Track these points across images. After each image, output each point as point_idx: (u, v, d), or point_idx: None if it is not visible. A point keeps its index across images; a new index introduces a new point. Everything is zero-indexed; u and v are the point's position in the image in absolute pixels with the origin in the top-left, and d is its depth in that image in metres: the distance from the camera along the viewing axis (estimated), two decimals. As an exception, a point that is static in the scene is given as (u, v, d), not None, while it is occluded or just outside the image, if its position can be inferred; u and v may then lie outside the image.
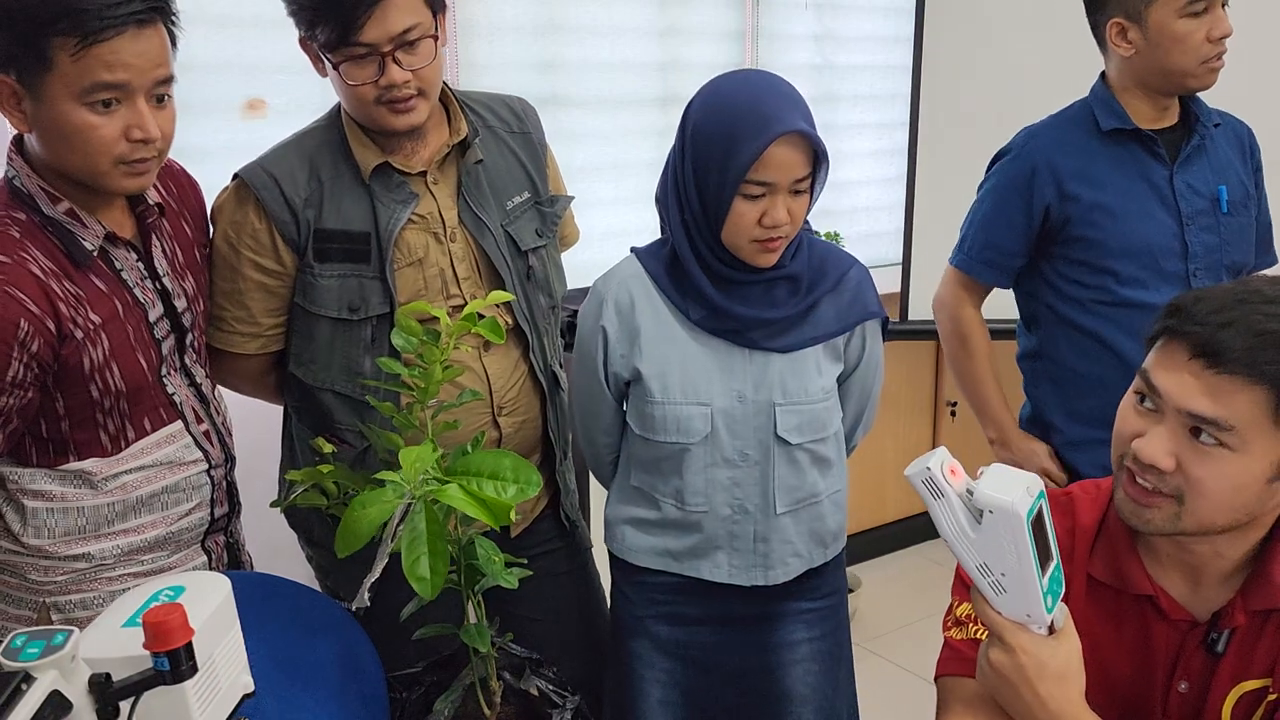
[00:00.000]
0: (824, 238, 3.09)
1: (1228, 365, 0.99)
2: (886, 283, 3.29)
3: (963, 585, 1.23)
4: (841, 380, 1.61)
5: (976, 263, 1.98)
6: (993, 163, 1.97)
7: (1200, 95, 1.86)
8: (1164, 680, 1.14)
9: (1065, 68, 1.98)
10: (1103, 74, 1.89)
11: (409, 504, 1.11)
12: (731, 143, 1.41)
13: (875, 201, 3.55)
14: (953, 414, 3.65)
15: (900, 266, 3.17)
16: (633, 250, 1.60)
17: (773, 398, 1.53)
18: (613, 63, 2.92)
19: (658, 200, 1.56)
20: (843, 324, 1.56)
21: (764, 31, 3.17)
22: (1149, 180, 1.81)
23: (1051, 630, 1.02)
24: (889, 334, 1.70)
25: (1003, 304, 2.10)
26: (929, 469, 0.99)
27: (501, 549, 1.25)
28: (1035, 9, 2.93)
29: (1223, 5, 1.74)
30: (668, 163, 1.53)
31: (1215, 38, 1.72)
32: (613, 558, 1.68)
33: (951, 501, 0.99)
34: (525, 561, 1.27)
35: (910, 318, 3.17)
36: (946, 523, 1.00)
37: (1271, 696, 1.09)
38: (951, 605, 1.24)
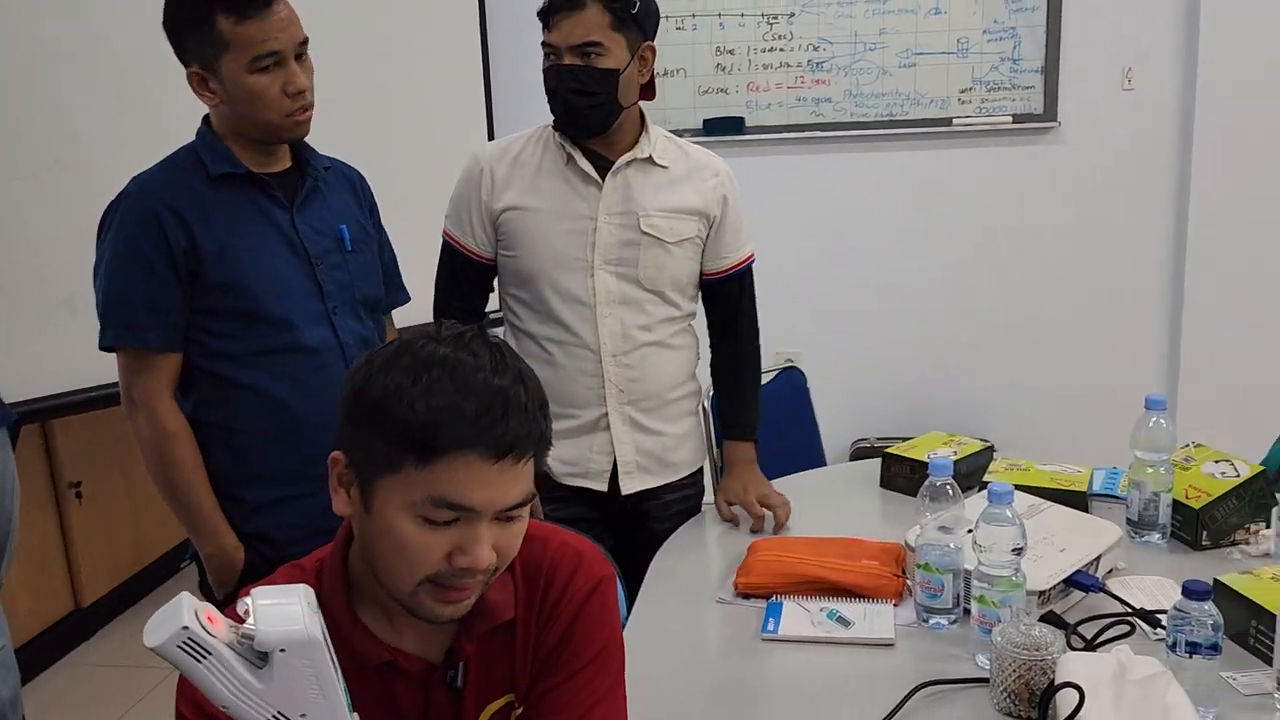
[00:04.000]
0: None
1: (527, 448, 0.99)
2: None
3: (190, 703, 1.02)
4: None
5: (146, 332, 1.69)
6: (106, 216, 1.73)
7: (311, 143, 1.85)
8: None
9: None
10: (206, 118, 1.79)
11: None
12: None
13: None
14: (78, 495, 3.21)
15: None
16: None
17: None
18: None
19: None
20: None
21: None
22: (272, 222, 1.76)
23: None
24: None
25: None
26: (186, 628, 0.78)
27: None
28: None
29: (297, 59, 1.71)
30: None
31: (291, 92, 1.71)
32: None
33: (223, 657, 0.80)
34: None
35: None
36: (221, 684, 0.80)
37: (518, 710, 1.12)
38: None
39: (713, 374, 2.14)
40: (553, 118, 1.93)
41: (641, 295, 1.95)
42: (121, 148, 2.43)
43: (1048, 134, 3.72)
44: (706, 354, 2.14)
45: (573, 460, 1.98)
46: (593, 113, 1.86)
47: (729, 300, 2.07)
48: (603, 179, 1.92)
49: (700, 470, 2.14)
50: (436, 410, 0.94)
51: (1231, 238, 3.66)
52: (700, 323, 2.09)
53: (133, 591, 3.50)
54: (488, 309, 2.11)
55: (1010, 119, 3.71)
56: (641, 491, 2.01)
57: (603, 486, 1.98)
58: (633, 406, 1.97)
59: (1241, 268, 3.68)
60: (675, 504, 2.07)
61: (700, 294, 2.08)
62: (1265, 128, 3.60)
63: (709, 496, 2.13)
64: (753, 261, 2.07)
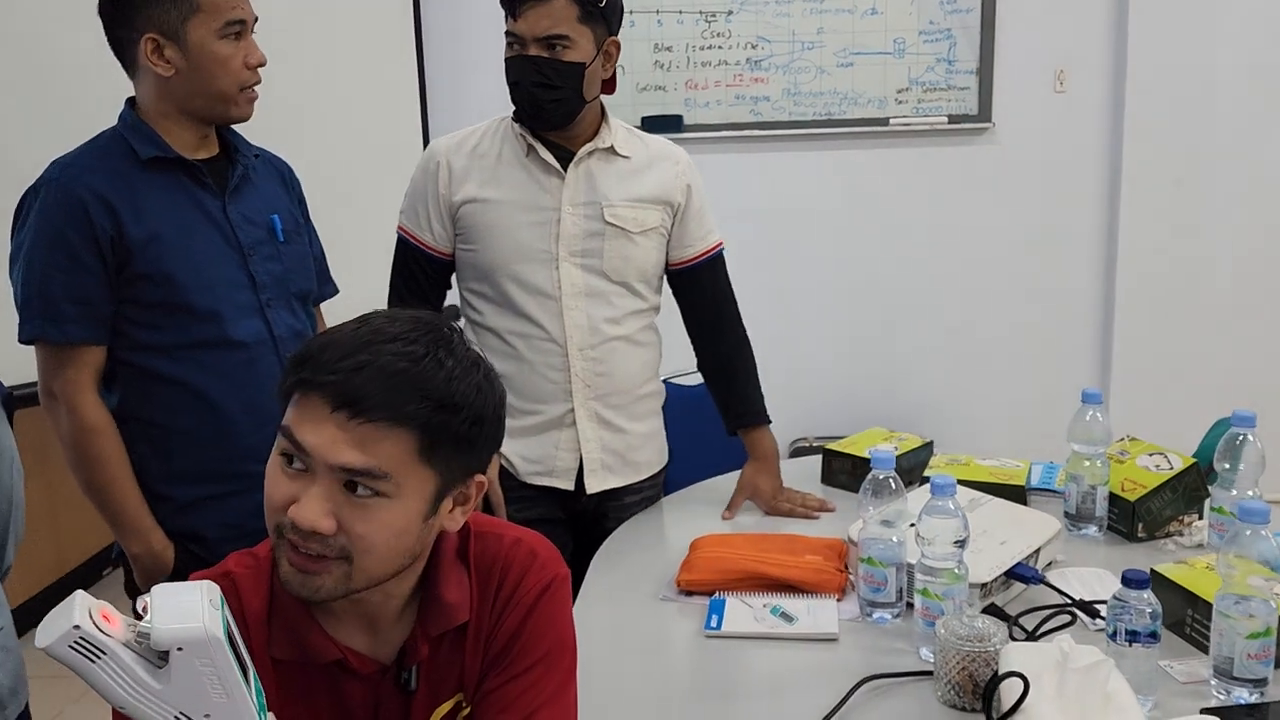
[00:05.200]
0: None
1: (369, 412, 0.94)
2: None
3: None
4: None
5: (69, 325, 1.61)
6: (24, 202, 1.65)
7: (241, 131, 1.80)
8: None
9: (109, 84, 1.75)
10: (131, 100, 1.72)
11: None
12: None
13: None
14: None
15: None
16: None
17: None
18: None
19: None
20: None
21: None
22: (203, 211, 1.70)
23: None
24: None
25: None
26: (78, 628, 0.75)
27: None
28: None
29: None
30: None
31: (252, 65, 1.68)
32: None
33: (119, 657, 0.77)
34: None
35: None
36: (117, 685, 0.77)
37: (466, 710, 1.10)
38: None
39: (703, 369, 2.08)
40: (507, 109, 1.89)
41: (608, 287, 1.92)
42: (27, 138, 2.33)
43: (982, 134, 3.77)
44: (669, 353, 2.09)
45: (538, 458, 1.93)
46: (555, 106, 1.82)
47: (704, 290, 2.03)
48: (564, 169, 1.89)
49: (661, 472, 2.10)
50: (313, 349, 0.97)
51: (1161, 236, 3.74)
52: (664, 320, 2.05)
53: (51, 599, 3.29)
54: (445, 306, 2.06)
55: (946, 119, 3.75)
56: (604, 491, 1.97)
57: (569, 485, 1.94)
58: (599, 402, 1.93)
59: (1172, 265, 3.77)
60: (634, 507, 2.03)
61: (672, 289, 2.05)
62: (1192, 128, 3.68)
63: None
64: (722, 249, 2.05)
